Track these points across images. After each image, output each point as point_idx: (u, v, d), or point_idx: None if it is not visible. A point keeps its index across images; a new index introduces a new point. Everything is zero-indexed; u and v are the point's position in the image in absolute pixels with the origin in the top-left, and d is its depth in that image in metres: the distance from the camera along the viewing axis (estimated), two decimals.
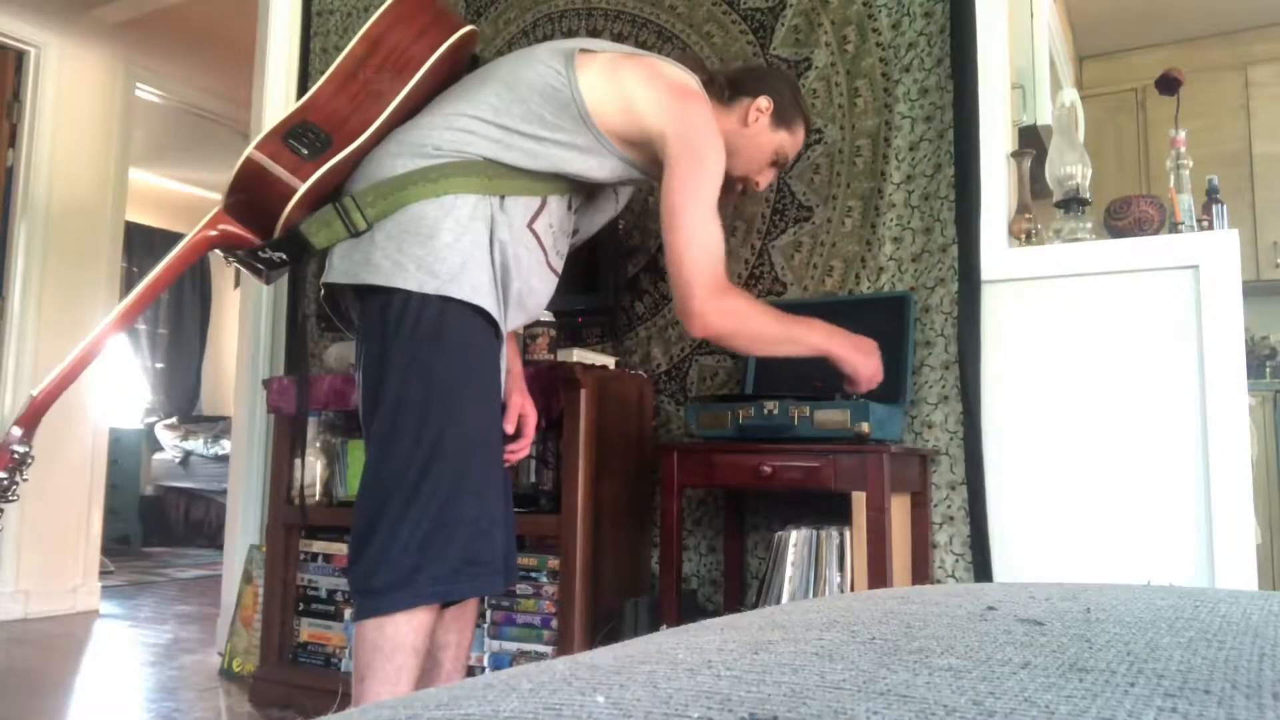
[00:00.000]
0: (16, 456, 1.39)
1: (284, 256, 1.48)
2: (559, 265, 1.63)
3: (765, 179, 1.83)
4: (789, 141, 1.81)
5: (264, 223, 1.44)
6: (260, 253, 1.47)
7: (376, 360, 1.45)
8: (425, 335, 1.42)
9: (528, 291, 1.55)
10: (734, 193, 1.84)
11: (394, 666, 1.38)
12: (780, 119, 1.78)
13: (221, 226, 1.45)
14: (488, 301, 1.46)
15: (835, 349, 1.76)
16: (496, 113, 1.50)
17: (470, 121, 1.50)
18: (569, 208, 1.64)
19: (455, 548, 1.39)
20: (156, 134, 5.65)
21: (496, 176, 1.49)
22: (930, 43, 2.33)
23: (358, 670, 1.42)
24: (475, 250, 1.45)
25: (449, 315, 1.43)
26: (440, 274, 1.42)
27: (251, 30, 3.39)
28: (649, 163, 1.61)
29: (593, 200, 1.73)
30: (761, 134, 1.77)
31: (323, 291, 1.55)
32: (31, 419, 1.40)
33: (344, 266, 1.47)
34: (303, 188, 1.40)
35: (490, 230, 1.48)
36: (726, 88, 1.76)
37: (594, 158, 1.56)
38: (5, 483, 1.38)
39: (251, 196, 1.42)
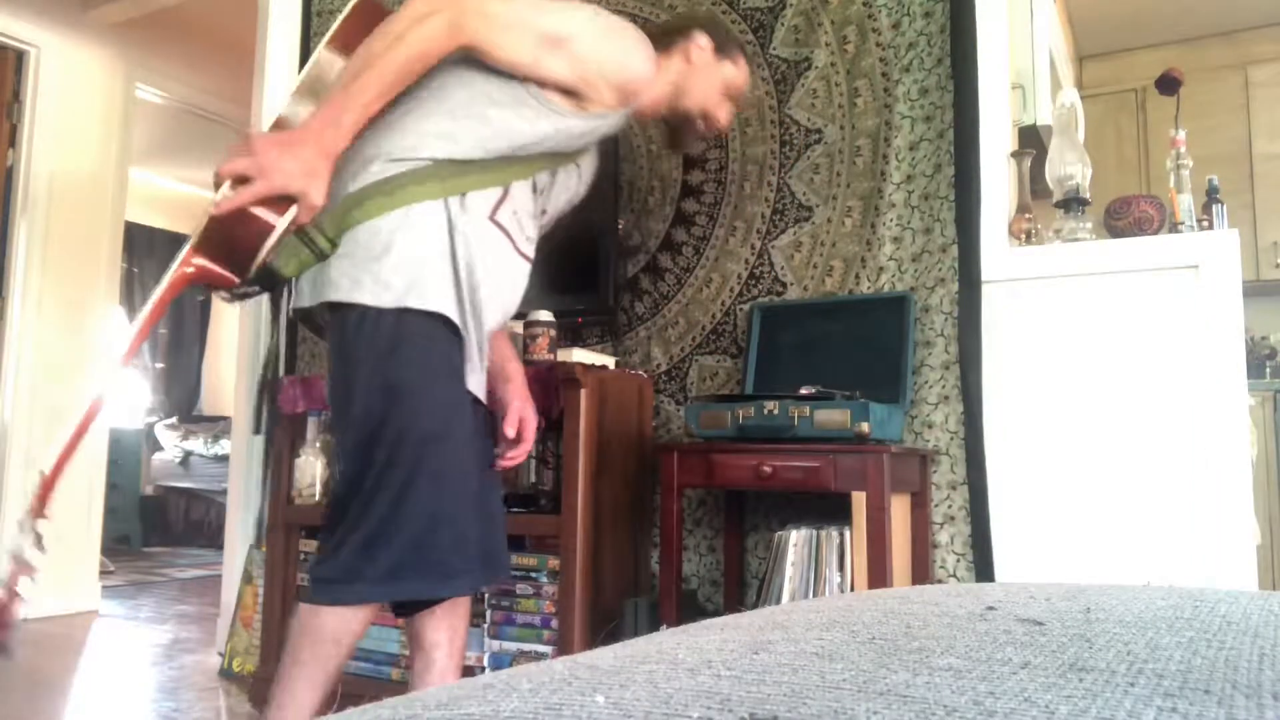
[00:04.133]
0: (34, 542, 1.41)
1: (258, 288, 1.48)
2: (529, 249, 1.62)
3: (723, 113, 1.82)
4: (734, 73, 1.81)
5: (238, 258, 1.41)
6: (234, 288, 1.46)
7: (340, 377, 1.47)
8: (383, 349, 1.43)
9: (498, 289, 1.54)
10: (696, 130, 1.81)
11: (319, 654, 1.43)
12: (721, 50, 1.79)
13: (197, 261, 1.42)
14: (447, 307, 1.45)
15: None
16: (440, 101, 1.50)
17: (418, 122, 1.49)
18: (533, 190, 1.63)
19: (396, 551, 1.41)
20: (156, 134, 5.65)
21: (452, 176, 1.49)
22: (930, 43, 2.33)
23: (286, 647, 1.49)
24: (433, 258, 1.45)
25: (406, 327, 1.43)
26: (395, 286, 1.42)
27: (251, 30, 3.39)
28: (598, 101, 1.55)
29: (556, 178, 1.71)
30: (708, 67, 1.77)
31: (294, 314, 1.57)
32: (45, 497, 1.41)
33: (308, 289, 1.49)
34: (281, 223, 1.37)
35: (450, 235, 1.47)
36: (660, 37, 1.74)
37: (544, 122, 1.54)
38: (27, 571, 1.40)
39: (227, 233, 1.39)
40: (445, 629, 1.61)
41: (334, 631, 1.44)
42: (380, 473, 1.42)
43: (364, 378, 1.45)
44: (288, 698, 1.45)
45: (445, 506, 1.45)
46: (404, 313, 1.43)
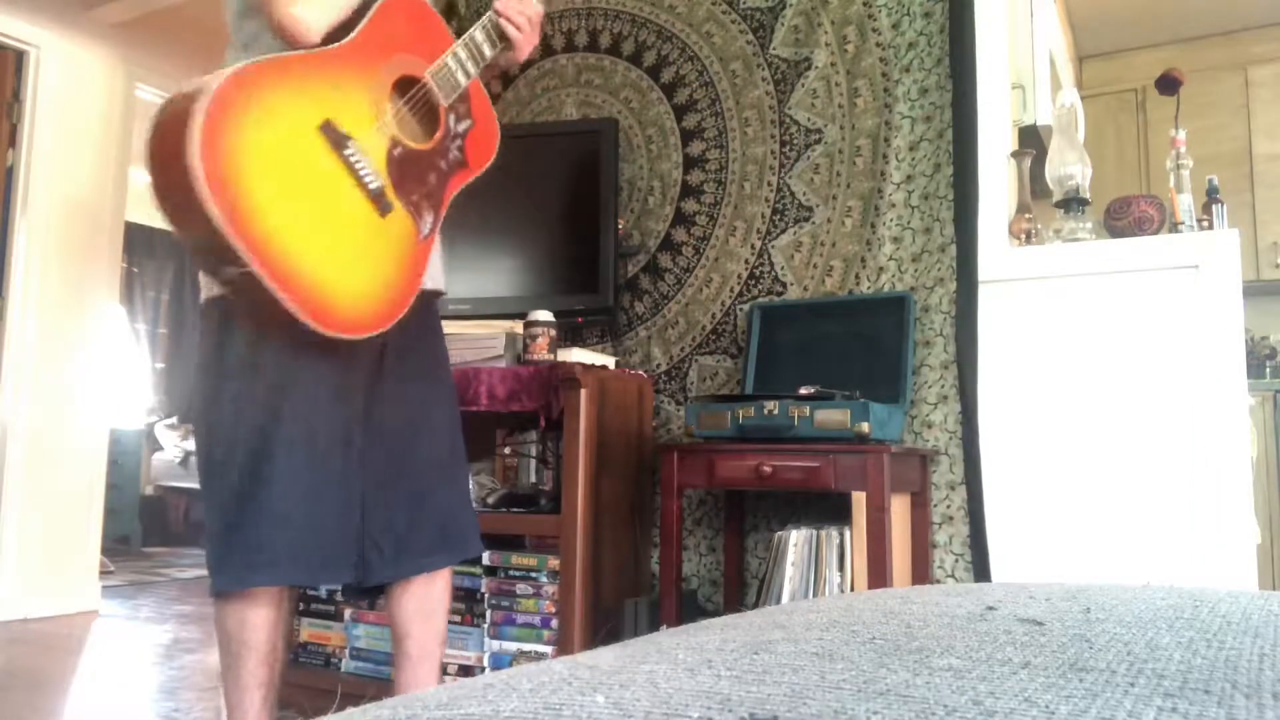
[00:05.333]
0: None
1: None
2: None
3: None
4: None
5: None
6: None
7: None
8: (205, 345, 1.46)
9: None
10: None
11: (231, 653, 1.44)
12: None
13: None
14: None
15: None
16: None
17: None
18: None
19: (212, 545, 1.42)
20: None
21: None
22: (930, 43, 2.33)
23: None
24: None
25: (228, 317, 1.43)
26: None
27: None
28: None
29: None
30: None
31: None
32: None
33: None
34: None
35: None
36: None
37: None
38: None
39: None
40: (418, 620, 1.59)
41: (234, 629, 1.44)
42: (208, 469, 1.45)
43: (196, 376, 1.49)
44: (231, 704, 1.46)
45: (281, 498, 1.41)
46: (212, 302, 1.44)
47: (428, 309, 1.60)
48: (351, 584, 1.55)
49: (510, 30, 1.51)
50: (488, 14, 1.53)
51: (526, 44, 1.54)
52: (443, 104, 1.44)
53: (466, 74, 1.47)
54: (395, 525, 1.53)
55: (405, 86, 1.43)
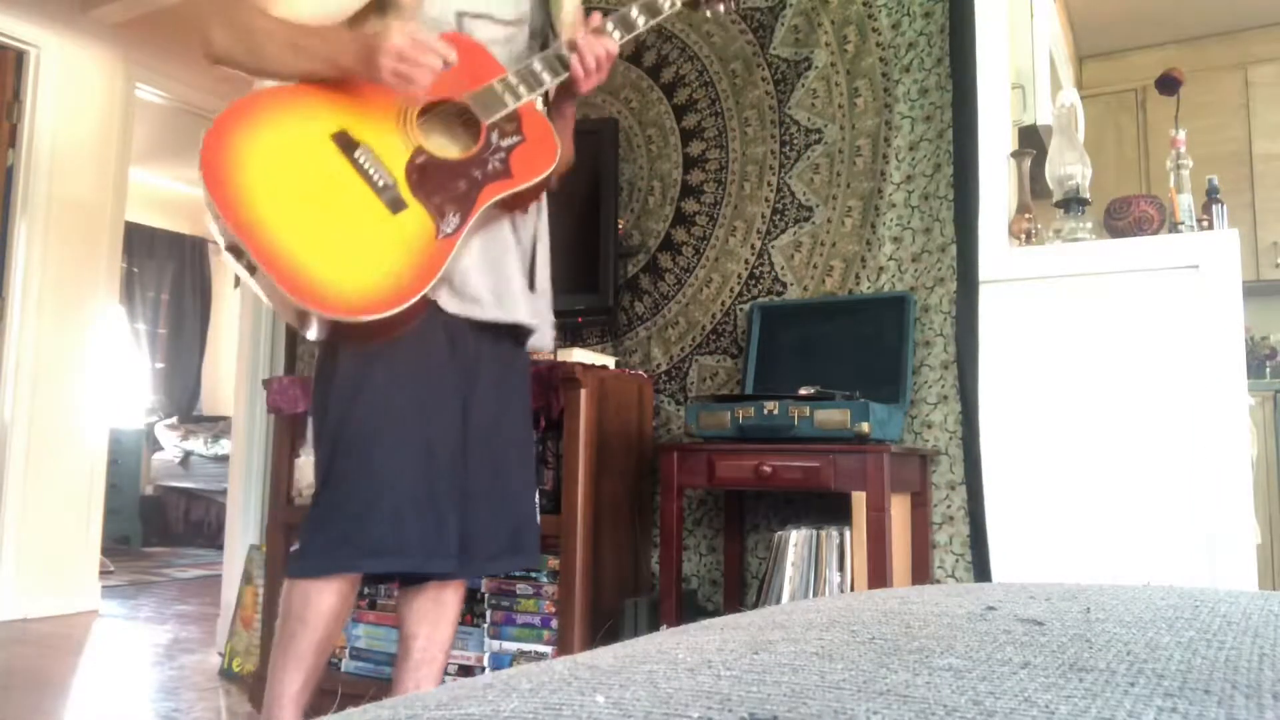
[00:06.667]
0: None
1: None
2: None
3: None
4: None
5: None
6: None
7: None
8: (321, 351, 1.55)
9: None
10: None
11: (287, 630, 1.50)
12: None
13: None
14: None
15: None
16: None
17: None
18: None
19: (332, 533, 1.48)
20: (156, 134, 5.65)
21: None
22: (930, 43, 2.33)
23: None
24: None
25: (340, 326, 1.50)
26: None
27: None
28: None
29: None
30: None
31: None
32: None
33: None
34: None
35: None
36: None
37: None
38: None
39: None
40: (426, 624, 1.64)
41: (296, 607, 1.49)
42: (325, 463, 1.51)
43: (316, 374, 1.57)
44: (273, 678, 1.50)
45: (390, 491, 1.48)
46: None
47: (515, 340, 1.67)
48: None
49: (575, 65, 1.58)
50: (554, 45, 1.61)
51: (588, 80, 1.59)
52: (484, 122, 1.53)
53: (516, 97, 1.54)
54: (478, 525, 1.59)
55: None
